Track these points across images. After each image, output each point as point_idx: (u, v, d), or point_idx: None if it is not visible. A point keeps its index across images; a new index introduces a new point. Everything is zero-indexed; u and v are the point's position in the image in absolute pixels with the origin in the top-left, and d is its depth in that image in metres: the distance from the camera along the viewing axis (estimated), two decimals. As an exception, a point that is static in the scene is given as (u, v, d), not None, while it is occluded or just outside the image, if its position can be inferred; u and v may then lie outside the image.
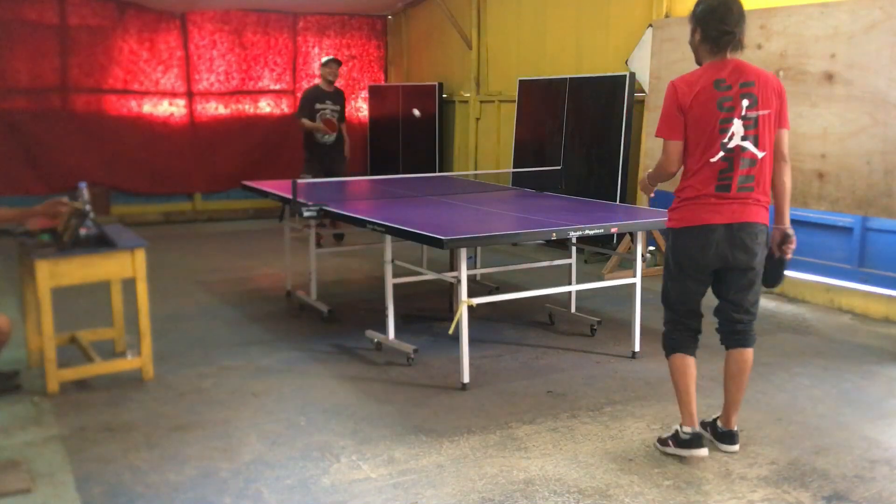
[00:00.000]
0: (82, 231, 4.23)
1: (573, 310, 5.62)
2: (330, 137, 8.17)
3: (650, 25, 7.09)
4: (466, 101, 10.19)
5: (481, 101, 9.97)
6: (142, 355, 4.47)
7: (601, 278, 6.72)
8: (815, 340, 5.31)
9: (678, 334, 3.53)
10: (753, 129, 3.30)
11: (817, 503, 3.13)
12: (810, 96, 5.65)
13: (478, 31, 9.95)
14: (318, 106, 8.16)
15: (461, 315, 4.25)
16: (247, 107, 10.99)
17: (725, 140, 3.30)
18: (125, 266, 4.35)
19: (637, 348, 4.92)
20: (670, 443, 3.51)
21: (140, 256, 4.36)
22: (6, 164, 9.49)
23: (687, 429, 3.46)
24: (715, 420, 3.67)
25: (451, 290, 5.54)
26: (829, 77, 5.53)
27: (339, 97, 8.37)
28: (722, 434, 3.61)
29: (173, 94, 10.51)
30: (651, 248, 7.42)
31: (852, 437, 3.74)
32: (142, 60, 10.26)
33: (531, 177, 6.99)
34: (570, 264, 5.53)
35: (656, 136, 3.49)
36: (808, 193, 5.72)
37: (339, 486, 3.26)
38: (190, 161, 10.58)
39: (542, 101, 8.55)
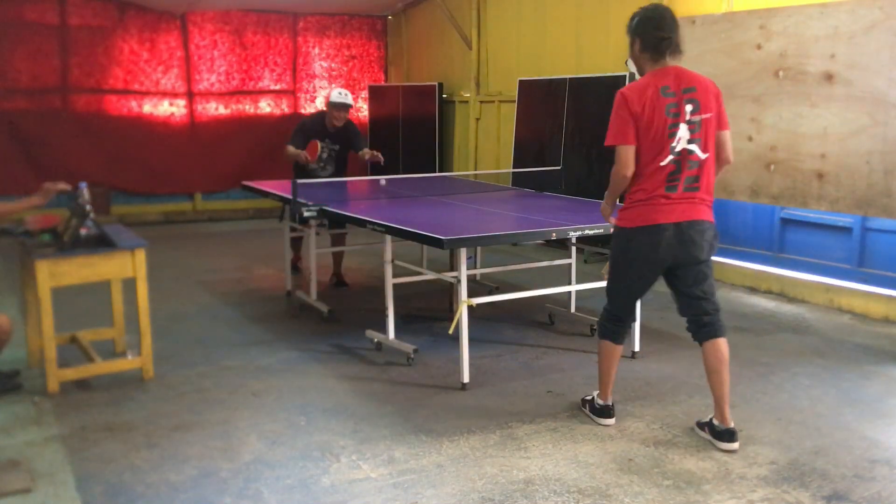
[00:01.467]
0: (82, 231, 4.24)
1: (573, 310, 5.62)
2: (325, 172, 6.85)
3: (650, 25, 7.09)
4: (466, 101, 10.20)
5: (481, 102, 9.97)
6: (142, 355, 4.48)
7: (601, 278, 6.70)
8: (814, 340, 5.31)
9: (612, 325, 3.85)
10: (698, 133, 3.50)
11: (817, 503, 3.13)
12: (810, 96, 5.65)
13: (478, 31, 9.95)
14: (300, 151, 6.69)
15: (461, 315, 4.26)
16: (247, 107, 11.00)
17: (674, 144, 3.48)
18: (125, 266, 4.35)
19: (637, 348, 4.92)
20: (587, 407, 3.98)
21: (140, 256, 4.36)
22: (6, 164, 9.49)
23: (600, 401, 3.91)
24: (711, 420, 3.69)
25: (451, 290, 5.54)
26: (829, 77, 5.53)
27: (343, 135, 6.82)
28: (720, 433, 3.62)
29: (174, 95, 10.52)
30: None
31: (852, 437, 3.74)
32: (142, 61, 10.28)
33: (531, 177, 7.00)
34: (570, 264, 5.53)
35: (606, 144, 3.63)
36: (808, 193, 5.72)
37: (339, 485, 3.27)
38: (190, 161, 10.58)
39: (542, 101, 8.55)
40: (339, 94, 6.70)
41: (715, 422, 3.66)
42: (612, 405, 3.90)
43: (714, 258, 3.65)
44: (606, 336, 3.86)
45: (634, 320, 3.94)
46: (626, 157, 3.54)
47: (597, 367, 4.72)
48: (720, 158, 3.61)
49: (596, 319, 5.37)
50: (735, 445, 3.58)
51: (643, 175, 3.54)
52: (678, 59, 3.58)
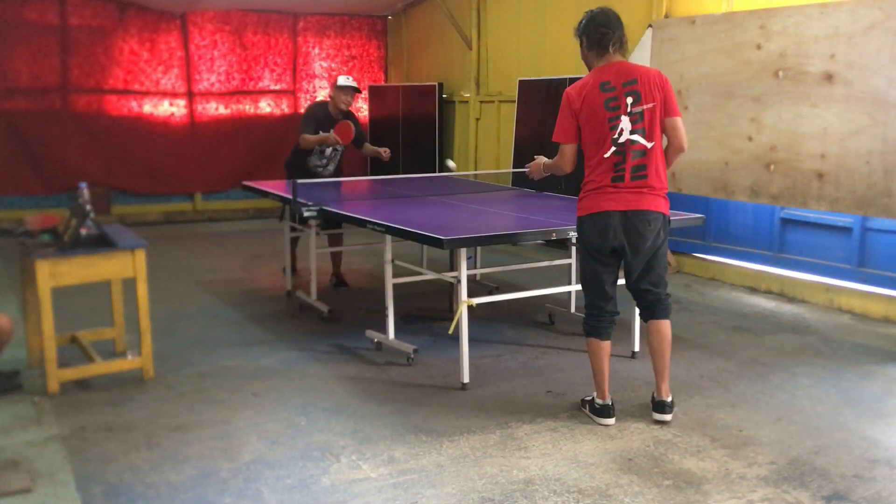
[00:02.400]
0: (82, 231, 4.24)
1: (573, 310, 5.62)
2: (327, 171, 6.72)
3: (650, 26, 7.10)
4: (466, 102, 10.20)
5: (481, 102, 9.97)
6: (142, 355, 4.48)
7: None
8: (814, 340, 5.32)
9: (594, 320, 3.90)
10: (641, 123, 3.67)
11: (817, 503, 3.13)
12: (810, 96, 5.65)
13: (478, 31, 9.95)
14: (321, 134, 6.55)
15: (461, 315, 4.26)
16: (247, 107, 11.00)
17: (616, 136, 3.67)
18: (125, 266, 4.35)
19: (637, 348, 4.92)
20: (587, 407, 3.98)
21: (140, 256, 4.37)
22: (7, 164, 9.50)
23: (599, 401, 3.91)
24: (653, 394, 3.97)
25: (451, 290, 5.54)
26: (829, 77, 5.53)
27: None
28: (655, 404, 3.92)
29: (174, 95, 10.52)
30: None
31: (852, 437, 3.74)
32: (142, 61, 10.27)
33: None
34: (570, 264, 5.53)
35: (552, 140, 3.86)
36: (808, 193, 5.72)
37: (339, 485, 3.27)
38: (190, 161, 10.58)
39: (542, 101, 8.55)
40: (346, 79, 6.63)
41: (654, 394, 3.95)
42: (612, 404, 3.91)
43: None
44: (591, 333, 3.92)
45: (616, 314, 3.91)
46: (568, 155, 3.83)
47: (596, 367, 4.75)
48: (673, 145, 3.77)
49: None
50: (666, 417, 3.88)
51: (590, 166, 3.77)
52: (624, 54, 3.80)
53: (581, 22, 3.84)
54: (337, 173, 6.84)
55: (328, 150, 6.67)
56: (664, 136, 3.78)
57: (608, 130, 3.67)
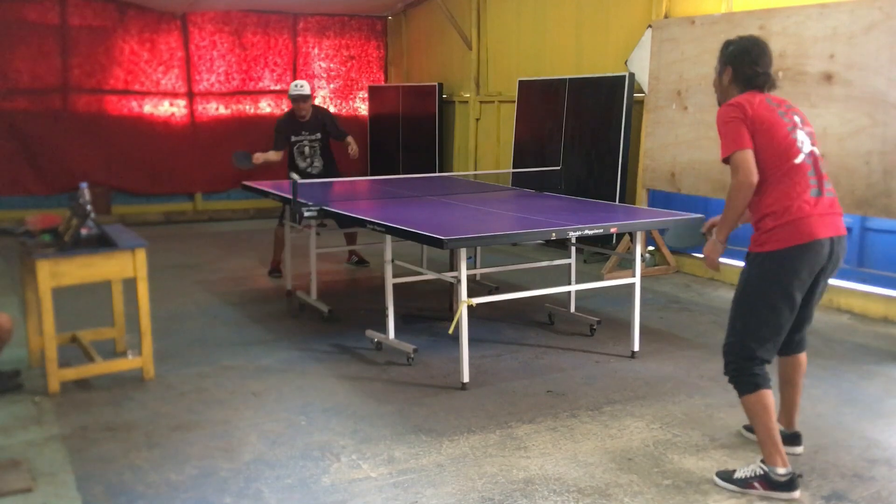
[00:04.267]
0: (83, 231, 4.25)
1: (573, 309, 5.62)
2: (315, 168, 7.01)
3: (650, 26, 7.10)
4: (466, 102, 10.20)
5: (481, 102, 9.98)
6: (142, 355, 4.48)
7: (601, 278, 6.73)
8: (814, 340, 5.30)
9: (759, 368, 3.21)
10: (813, 141, 3.24)
11: (816, 503, 3.13)
12: (810, 96, 5.65)
13: (478, 32, 9.96)
14: (294, 139, 6.95)
15: (461, 315, 4.26)
16: (247, 107, 11.01)
17: (799, 144, 3.17)
18: (126, 266, 4.36)
19: (636, 348, 4.92)
20: (756, 485, 3.16)
21: (140, 256, 4.37)
22: (7, 164, 9.52)
23: (781, 470, 3.12)
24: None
25: (451, 290, 5.54)
26: (829, 77, 5.54)
27: (317, 123, 6.99)
28: (788, 437, 3.45)
29: (174, 95, 10.53)
30: (651, 248, 7.43)
31: (851, 437, 3.74)
32: (142, 61, 10.29)
33: (531, 177, 7.00)
34: (570, 264, 5.54)
35: (723, 157, 3.18)
36: (808, 193, 5.72)
37: (339, 485, 3.27)
38: (190, 161, 10.59)
39: (542, 101, 8.56)
40: (296, 87, 6.91)
41: (780, 426, 3.39)
42: (799, 474, 3.18)
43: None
44: (759, 385, 3.18)
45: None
46: (748, 162, 3.09)
47: (598, 367, 4.74)
48: None
49: (596, 319, 5.42)
50: (800, 449, 3.53)
51: (775, 180, 3.13)
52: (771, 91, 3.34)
53: (728, 47, 3.32)
54: (328, 169, 7.07)
55: (306, 149, 6.97)
56: None
57: (792, 138, 3.15)
